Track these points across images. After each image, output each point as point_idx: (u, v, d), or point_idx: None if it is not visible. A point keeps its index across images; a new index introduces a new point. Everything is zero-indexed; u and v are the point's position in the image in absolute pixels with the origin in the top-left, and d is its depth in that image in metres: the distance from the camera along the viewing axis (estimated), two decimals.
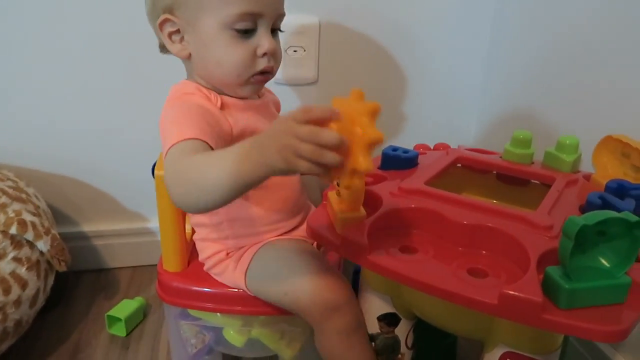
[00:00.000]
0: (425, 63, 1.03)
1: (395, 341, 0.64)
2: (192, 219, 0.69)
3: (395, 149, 0.70)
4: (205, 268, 0.69)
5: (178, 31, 0.60)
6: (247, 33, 0.59)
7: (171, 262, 0.70)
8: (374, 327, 0.64)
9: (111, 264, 1.04)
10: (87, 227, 1.03)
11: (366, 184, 0.65)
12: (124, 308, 0.88)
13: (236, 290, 0.67)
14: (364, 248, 0.52)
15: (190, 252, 0.73)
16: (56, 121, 0.93)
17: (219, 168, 0.46)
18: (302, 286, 0.60)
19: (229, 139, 0.60)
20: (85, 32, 0.88)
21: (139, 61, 0.91)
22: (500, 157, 0.73)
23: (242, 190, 0.46)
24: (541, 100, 0.89)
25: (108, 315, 0.87)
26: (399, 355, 0.65)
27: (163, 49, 0.64)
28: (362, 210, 0.56)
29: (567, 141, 0.69)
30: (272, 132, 0.42)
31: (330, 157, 0.39)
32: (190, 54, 0.61)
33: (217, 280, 0.69)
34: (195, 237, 0.70)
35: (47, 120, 0.93)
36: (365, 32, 0.98)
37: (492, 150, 0.77)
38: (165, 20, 0.60)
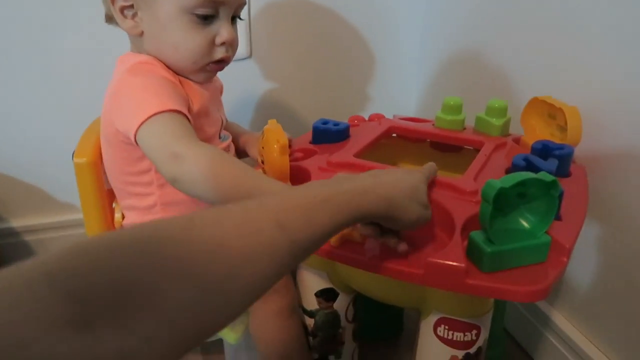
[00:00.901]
0: (361, 34, 1.01)
1: (335, 316, 0.64)
2: (123, 202, 0.65)
3: (325, 122, 0.68)
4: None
5: (132, 6, 0.56)
6: (206, 19, 0.56)
7: None
8: (312, 304, 0.63)
9: None
10: (15, 223, 0.96)
11: (296, 159, 0.63)
12: None
13: None
14: None
15: None
16: None
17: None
18: None
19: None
20: None
21: (53, 47, 0.85)
22: (433, 124, 0.72)
23: None
24: (475, 66, 0.90)
25: None
26: (340, 330, 0.65)
27: (110, 20, 0.60)
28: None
29: (496, 105, 0.69)
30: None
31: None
32: (142, 32, 0.57)
33: None
34: (124, 222, 0.67)
35: None
36: (297, 3, 0.94)
37: (426, 119, 0.77)
38: None
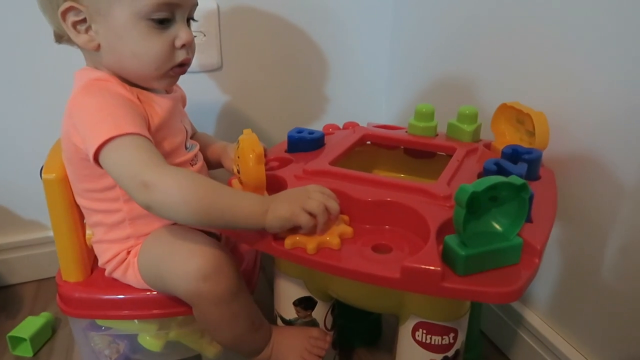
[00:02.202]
0: (332, 43, 1.02)
1: (314, 324, 0.64)
2: (89, 220, 0.63)
3: (300, 130, 0.68)
4: (106, 273, 0.65)
5: (84, 20, 0.54)
6: (163, 23, 0.55)
7: (71, 272, 0.65)
8: (290, 313, 0.63)
9: (11, 280, 0.95)
10: None
11: (272, 168, 0.63)
12: (28, 326, 0.81)
13: (148, 293, 0.63)
14: (265, 234, 0.50)
15: (93, 259, 0.68)
16: None
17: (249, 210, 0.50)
18: (163, 262, 0.57)
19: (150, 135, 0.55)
20: None
21: (17, 60, 0.83)
22: (406, 131, 0.73)
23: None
24: (445, 73, 0.92)
25: (9, 336, 0.79)
26: None
27: (60, 39, 0.59)
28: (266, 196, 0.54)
29: (467, 111, 0.70)
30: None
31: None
32: (99, 45, 0.56)
33: (125, 285, 0.64)
34: (92, 240, 0.65)
35: None
36: (267, 12, 0.95)
37: (400, 126, 0.78)
38: (69, 9, 0.54)
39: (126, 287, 0.64)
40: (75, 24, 0.55)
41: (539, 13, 0.68)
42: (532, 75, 0.71)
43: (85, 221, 0.65)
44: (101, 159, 0.51)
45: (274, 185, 0.58)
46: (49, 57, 0.85)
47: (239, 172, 0.55)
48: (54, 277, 0.67)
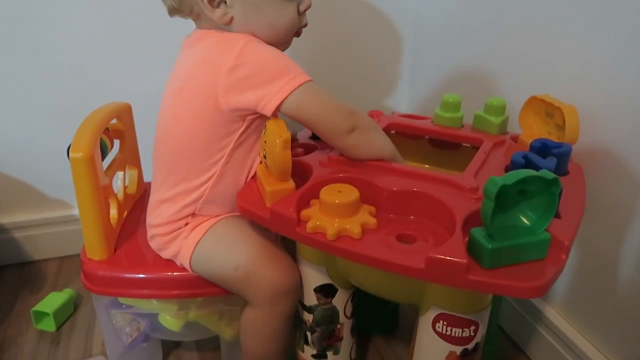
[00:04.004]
0: (356, 31, 1.01)
1: (334, 311, 0.64)
2: (168, 192, 0.62)
3: None
4: (152, 234, 0.65)
5: None
6: None
7: (95, 250, 0.66)
8: (311, 299, 0.63)
9: (35, 256, 0.98)
10: (3, 219, 0.95)
11: (297, 154, 0.63)
12: (52, 301, 0.83)
13: (169, 273, 0.64)
14: (292, 221, 0.51)
15: (117, 238, 0.69)
16: None
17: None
18: (258, 264, 0.59)
19: None
20: None
21: (42, 44, 0.84)
22: (432, 121, 0.73)
23: None
24: (473, 64, 0.90)
25: (34, 311, 0.82)
26: (338, 325, 0.65)
27: (176, 12, 0.60)
28: (291, 182, 0.55)
29: (495, 103, 0.69)
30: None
31: None
32: (232, 18, 0.58)
33: (148, 264, 0.65)
34: (155, 198, 0.65)
35: None
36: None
37: (425, 116, 0.77)
38: None
39: (148, 267, 0.65)
40: (211, 0, 0.56)
41: (572, 3, 0.66)
42: (560, 67, 0.70)
43: (156, 196, 0.65)
44: (292, 101, 0.55)
45: (299, 171, 0.58)
46: (72, 43, 0.87)
47: (265, 156, 0.55)
48: (77, 254, 0.69)
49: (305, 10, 0.61)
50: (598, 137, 0.64)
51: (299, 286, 0.61)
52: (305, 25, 0.63)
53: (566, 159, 0.60)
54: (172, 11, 0.61)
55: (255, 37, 0.58)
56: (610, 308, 0.67)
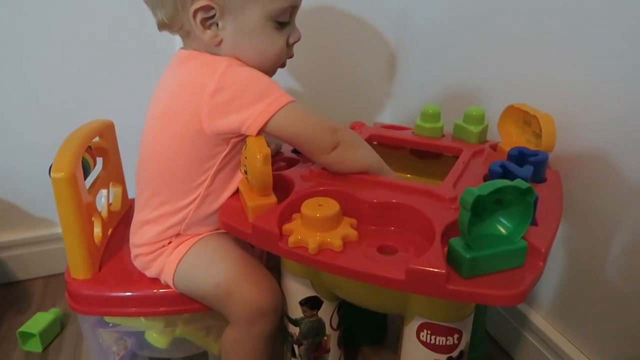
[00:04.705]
0: (338, 42, 1.02)
1: (320, 324, 0.64)
2: (152, 213, 0.62)
3: None
4: (135, 253, 0.65)
5: (212, 17, 0.57)
6: (282, 24, 0.60)
7: (80, 269, 0.66)
8: (297, 312, 0.64)
9: (20, 276, 0.97)
10: None
11: (280, 168, 0.64)
12: (38, 322, 0.82)
13: (155, 290, 0.64)
14: (274, 235, 0.51)
15: (102, 255, 0.69)
16: None
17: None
18: (239, 282, 0.59)
19: None
20: None
21: (26, 61, 0.83)
22: (413, 132, 0.74)
23: None
24: (452, 75, 0.91)
25: (20, 332, 0.81)
26: (325, 338, 0.65)
27: (165, 28, 0.60)
28: (273, 197, 0.55)
29: (474, 112, 0.70)
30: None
31: None
32: (221, 41, 0.58)
33: (134, 282, 0.65)
34: (139, 218, 0.65)
35: None
36: None
37: (406, 126, 0.78)
38: (203, 7, 0.55)
39: (134, 285, 0.65)
40: (204, 21, 0.57)
41: (545, 14, 0.68)
42: (538, 76, 0.71)
43: (139, 217, 0.65)
44: (276, 121, 0.55)
45: (281, 185, 0.58)
46: (56, 61, 0.86)
47: (246, 172, 0.56)
48: (63, 273, 0.68)
49: (294, 43, 0.62)
50: (577, 143, 0.66)
51: (279, 308, 0.61)
52: (291, 57, 0.64)
53: (543, 167, 0.61)
54: (162, 26, 0.61)
55: (239, 60, 0.59)
56: (594, 312, 0.68)
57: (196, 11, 0.56)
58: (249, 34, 0.58)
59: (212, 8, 0.56)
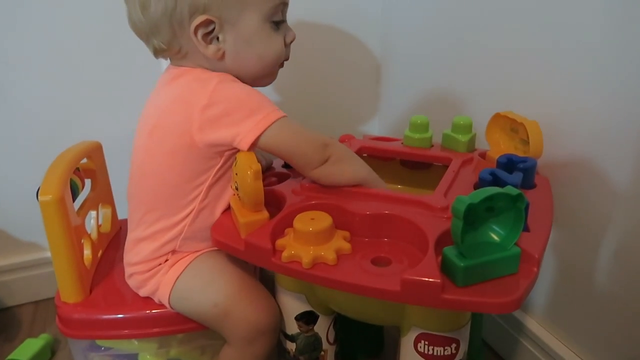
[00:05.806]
0: (324, 55, 1.03)
1: (316, 339, 0.63)
2: (146, 231, 0.62)
3: None
4: (130, 272, 0.64)
5: (212, 31, 0.57)
6: (278, 24, 0.60)
7: (70, 293, 0.65)
8: (293, 327, 0.63)
9: (9, 302, 0.95)
10: None
11: (271, 183, 0.63)
12: (27, 349, 0.80)
13: (148, 311, 0.63)
14: (267, 251, 0.51)
15: (92, 278, 0.68)
16: None
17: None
18: (237, 301, 0.59)
19: None
20: None
21: (9, 82, 0.83)
22: (402, 143, 0.74)
23: None
24: (438, 85, 0.93)
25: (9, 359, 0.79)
26: (322, 352, 0.64)
27: (162, 53, 0.60)
28: (265, 212, 0.55)
29: (461, 122, 0.71)
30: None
31: None
32: (223, 53, 0.58)
33: (126, 303, 0.64)
34: (133, 236, 0.64)
35: None
36: None
37: (395, 138, 0.79)
38: (203, 23, 0.55)
39: (126, 306, 0.64)
40: (205, 37, 0.56)
41: (531, 23, 0.69)
42: (523, 84, 0.72)
43: (134, 235, 0.64)
44: (267, 136, 0.55)
45: (273, 200, 0.58)
46: (39, 82, 0.86)
47: (237, 188, 0.55)
48: (52, 297, 0.67)
49: (290, 42, 0.63)
50: (563, 149, 0.66)
51: (278, 327, 0.61)
52: (288, 58, 0.64)
53: (532, 173, 0.61)
54: (159, 52, 0.60)
55: (238, 72, 0.59)
56: (588, 314, 0.68)
57: (197, 28, 0.56)
58: (249, 40, 0.58)
59: (212, 22, 0.56)
